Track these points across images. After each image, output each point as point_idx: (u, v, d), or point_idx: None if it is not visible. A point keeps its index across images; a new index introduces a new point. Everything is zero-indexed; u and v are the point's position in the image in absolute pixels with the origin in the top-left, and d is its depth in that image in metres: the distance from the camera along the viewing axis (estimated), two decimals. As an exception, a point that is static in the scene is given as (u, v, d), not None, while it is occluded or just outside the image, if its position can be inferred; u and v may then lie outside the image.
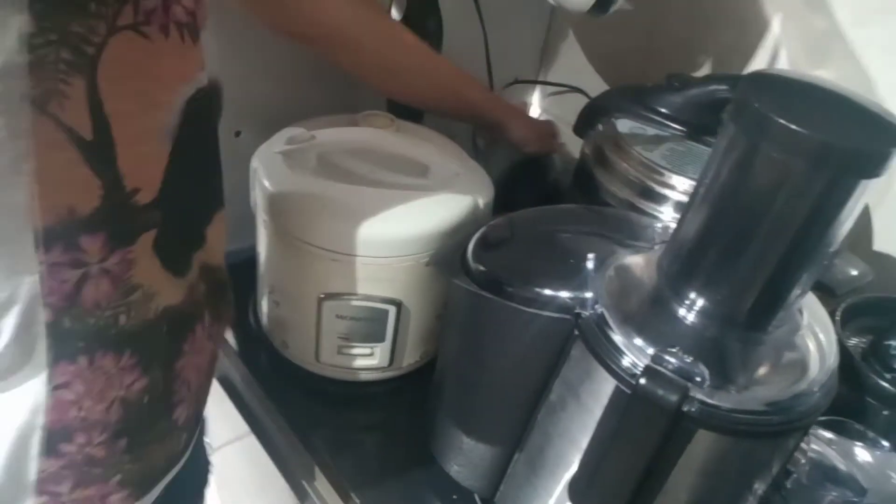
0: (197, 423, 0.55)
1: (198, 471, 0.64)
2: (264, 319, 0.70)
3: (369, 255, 0.59)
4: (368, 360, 0.66)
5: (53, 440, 0.43)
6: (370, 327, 0.63)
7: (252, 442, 0.85)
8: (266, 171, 0.63)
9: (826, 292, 0.61)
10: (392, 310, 0.62)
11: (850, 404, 0.61)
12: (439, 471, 0.61)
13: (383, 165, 0.65)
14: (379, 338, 0.64)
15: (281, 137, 0.66)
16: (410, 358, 0.68)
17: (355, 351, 0.65)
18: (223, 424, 0.97)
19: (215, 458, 1.06)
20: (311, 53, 0.78)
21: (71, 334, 0.41)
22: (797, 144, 0.37)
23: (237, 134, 0.78)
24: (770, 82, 0.41)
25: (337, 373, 0.67)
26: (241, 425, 0.86)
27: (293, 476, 0.76)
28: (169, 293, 0.46)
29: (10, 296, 0.38)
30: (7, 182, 0.36)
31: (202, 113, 0.43)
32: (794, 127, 0.37)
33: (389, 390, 0.70)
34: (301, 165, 0.63)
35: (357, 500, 0.61)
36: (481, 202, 0.64)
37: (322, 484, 0.69)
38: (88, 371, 0.43)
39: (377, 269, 0.60)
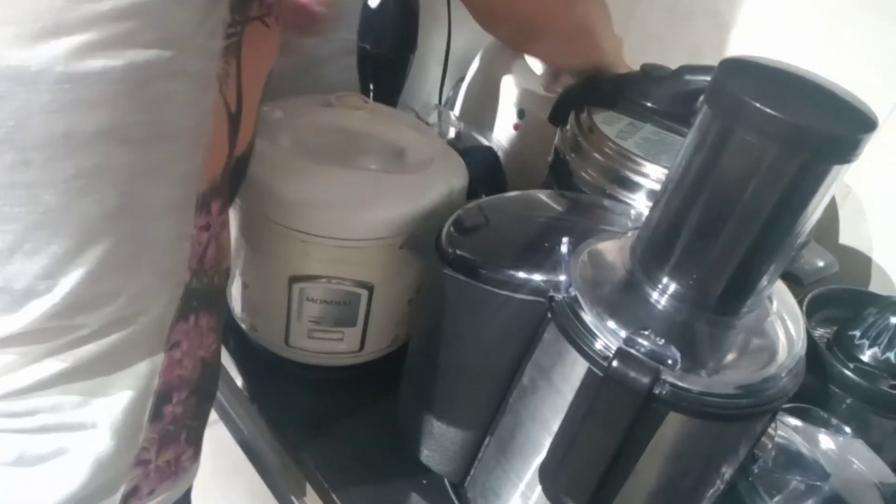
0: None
1: None
2: (232, 302, 0.69)
3: (342, 238, 0.59)
4: (339, 344, 0.65)
5: (160, 403, 0.45)
6: (341, 311, 0.63)
7: (218, 431, 0.84)
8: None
9: (794, 282, 0.62)
10: (364, 293, 0.62)
11: (814, 393, 0.62)
12: (409, 456, 0.61)
13: (357, 147, 0.65)
14: (350, 322, 0.64)
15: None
16: (381, 343, 0.68)
17: (326, 335, 0.64)
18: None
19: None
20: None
21: (193, 295, 0.45)
22: (771, 128, 0.38)
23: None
24: (745, 67, 0.42)
25: (307, 357, 0.66)
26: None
27: (262, 462, 0.75)
28: (229, 253, 0.51)
29: (174, 261, 0.43)
30: (190, 151, 0.40)
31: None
32: (768, 110, 0.37)
33: (360, 376, 0.69)
34: (273, 145, 0.62)
35: (326, 485, 0.60)
36: (456, 187, 0.63)
37: (290, 470, 0.69)
38: (194, 330, 0.46)
39: (350, 252, 0.60)
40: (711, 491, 0.50)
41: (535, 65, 0.97)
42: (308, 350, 0.66)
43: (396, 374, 0.63)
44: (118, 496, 0.45)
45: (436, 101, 0.97)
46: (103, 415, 0.42)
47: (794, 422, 0.58)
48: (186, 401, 0.48)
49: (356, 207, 0.59)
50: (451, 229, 0.54)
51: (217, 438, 0.86)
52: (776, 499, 0.54)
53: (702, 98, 0.42)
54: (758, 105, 0.37)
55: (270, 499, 0.75)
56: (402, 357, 0.61)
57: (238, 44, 0.42)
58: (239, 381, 0.70)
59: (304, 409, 0.66)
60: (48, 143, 0.34)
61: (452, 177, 0.64)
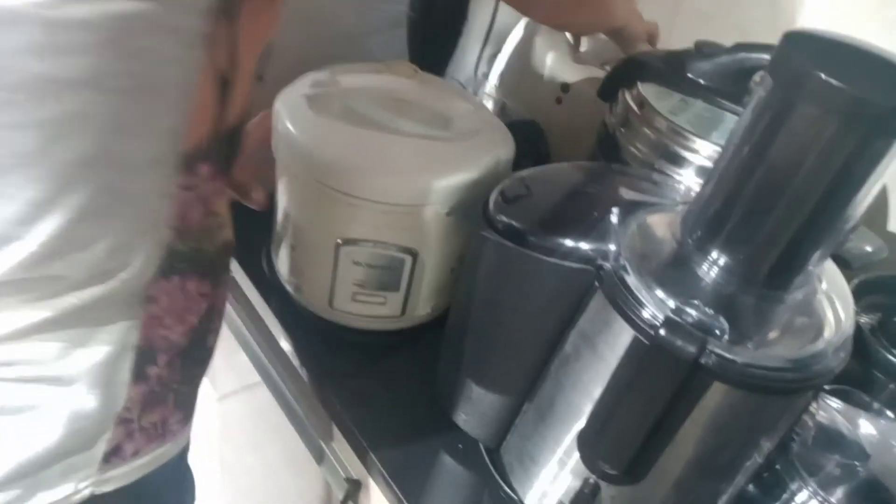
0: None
1: None
2: (279, 264, 0.71)
3: (389, 203, 0.59)
4: (381, 308, 0.66)
5: (142, 363, 0.46)
6: (385, 275, 0.64)
7: (258, 393, 0.86)
8: (289, 114, 0.63)
9: (841, 265, 0.61)
10: (408, 259, 0.63)
11: (858, 377, 0.62)
12: (446, 420, 0.62)
13: (406, 115, 0.65)
14: (393, 287, 0.65)
15: (305, 82, 0.66)
16: (422, 310, 0.69)
17: (369, 299, 0.65)
18: (230, 374, 0.98)
19: (220, 408, 1.07)
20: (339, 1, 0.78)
21: (177, 256, 0.45)
22: (834, 99, 0.37)
23: (259, 78, 0.77)
24: (809, 40, 0.41)
25: (349, 320, 0.68)
26: (247, 376, 0.87)
27: (301, 424, 0.77)
28: (228, 227, 0.51)
29: (153, 217, 0.43)
30: (171, 107, 0.40)
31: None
32: (833, 81, 0.37)
33: (400, 341, 0.70)
34: (324, 110, 0.63)
35: (364, 444, 0.61)
36: (502, 157, 0.64)
37: (329, 431, 0.70)
38: (178, 291, 0.46)
39: (396, 217, 0.60)
40: (749, 464, 0.50)
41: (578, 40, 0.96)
42: (351, 313, 0.67)
43: (437, 341, 0.64)
44: (98, 453, 0.45)
45: (474, 72, 0.97)
46: (81, 369, 0.43)
47: (837, 403, 0.58)
48: (172, 363, 0.48)
49: (404, 173, 0.60)
50: (499, 197, 0.54)
51: (256, 402, 0.88)
52: (815, 478, 0.54)
53: (763, 72, 0.41)
54: (822, 76, 0.37)
55: (309, 461, 0.77)
56: (442, 325, 0.62)
57: (234, 8, 0.41)
58: (282, 342, 0.71)
59: (345, 372, 0.67)
60: (27, 85, 0.34)
61: (499, 147, 0.64)
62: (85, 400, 0.43)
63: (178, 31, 0.38)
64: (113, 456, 0.46)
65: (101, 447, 0.45)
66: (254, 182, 0.69)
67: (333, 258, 0.63)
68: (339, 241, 0.62)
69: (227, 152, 0.48)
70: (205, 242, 0.47)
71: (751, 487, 0.57)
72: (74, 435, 0.44)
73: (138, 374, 0.46)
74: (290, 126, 0.62)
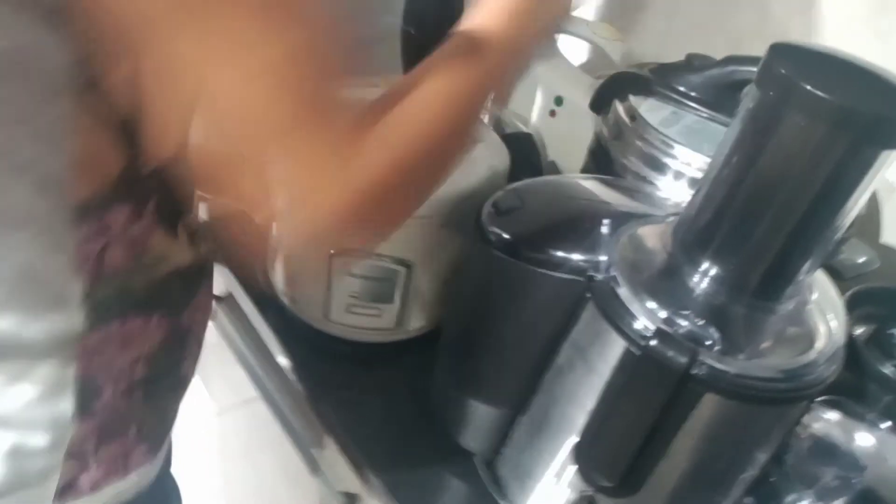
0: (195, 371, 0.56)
1: None
2: (275, 276, 0.71)
3: None
4: (376, 320, 0.66)
5: (85, 397, 0.44)
6: (380, 287, 0.64)
7: (255, 407, 0.86)
8: None
9: (834, 276, 0.61)
10: (402, 271, 0.63)
11: (852, 387, 0.62)
12: (442, 433, 0.62)
13: None
14: (387, 298, 0.65)
15: None
16: (417, 322, 0.69)
17: (364, 311, 0.66)
18: (227, 388, 0.98)
19: (219, 423, 1.07)
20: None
21: (102, 303, 0.43)
22: (820, 109, 0.38)
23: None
24: (795, 51, 0.42)
25: (345, 332, 0.68)
26: (245, 390, 0.87)
27: (297, 436, 0.77)
28: (180, 252, 0.48)
29: (56, 274, 0.41)
30: (47, 159, 0.37)
31: None
32: (818, 92, 0.37)
33: (396, 353, 0.70)
34: None
35: (360, 456, 0.61)
36: (498, 170, 0.64)
37: (324, 443, 0.70)
38: (121, 332, 0.44)
39: None
40: (744, 475, 0.50)
41: (572, 52, 0.97)
42: (346, 325, 0.67)
43: (432, 353, 0.64)
44: (50, 489, 0.44)
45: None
46: (17, 406, 0.42)
47: (831, 414, 0.57)
48: (129, 394, 0.46)
49: None
50: (492, 209, 0.55)
51: (256, 414, 0.88)
52: (811, 490, 0.54)
53: (752, 83, 0.42)
54: (808, 87, 0.38)
55: (305, 474, 0.76)
56: (437, 338, 0.62)
57: (113, 54, 0.37)
58: (278, 357, 0.71)
59: (340, 383, 0.67)
60: None
61: (494, 160, 0.65)
62: (25, 437, 0.42)
63: (38, 77, 0.35)
64: (68, 492, 0.45)
65: (52, 484, 0.44)
66: None
67: (328, 270, 0.63)
68: (331, 251, 0.62)
69: (162, 189, 0.45)
70: (137, 281, 0.45)
71: (748, 501, 0.57)
72: (19, 473, 0.43)
73: (83, 409, 0.44)
74: None
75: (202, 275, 0.52)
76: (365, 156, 0.38)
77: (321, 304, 0.66)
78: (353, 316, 0.66)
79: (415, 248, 0.62)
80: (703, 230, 0.45)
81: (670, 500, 0.50)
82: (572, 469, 0.51)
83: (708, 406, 0.44)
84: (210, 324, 0.90)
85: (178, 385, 0.53)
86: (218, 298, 0.87)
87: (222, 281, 0.83)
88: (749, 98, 0.42)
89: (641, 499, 0.49)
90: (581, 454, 0.49)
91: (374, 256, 0.62)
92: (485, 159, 0.64)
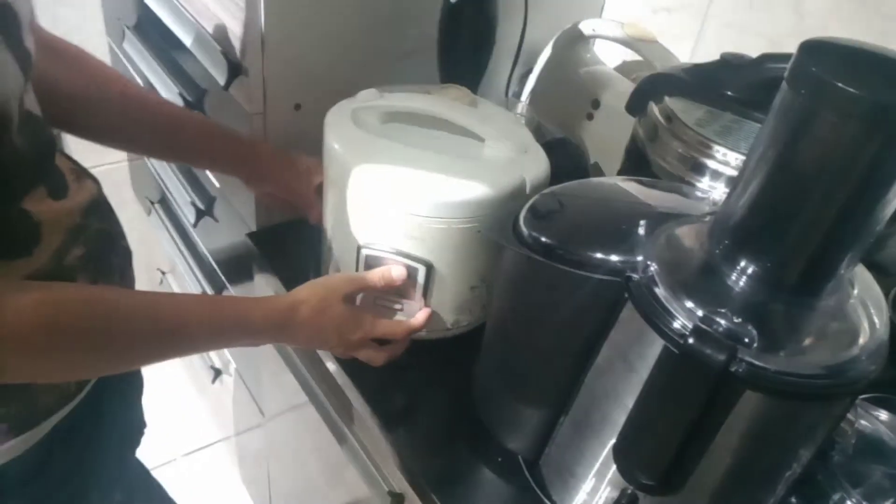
0: None
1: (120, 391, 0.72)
2: (322, 268, 0.74)
3: (403, 211, 0.63)
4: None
5: None
6: (402, 283, 0.66)
7: (304, 412, 0.88)
8: (331, 124, 0.68)
9: (879, 272, 0.60)
10: (421, 269, 0.65)
11: (899, 384, 0.61)
12: (485, 433, 0.63)
13: (444, 135, 0.68)
14: (408, 295, 0.67)
15: (357, 98, 0.70)
16: (440, 324, 0.70)
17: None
18: (277, 394, 1.00)
19: (269, 428, 1.10)
20: (373, 27, 0.81)
21: None
22: (852, 106, 0.38)
23: (297, 107, 0.81)
24: (827, 48, 0.42)
25: None
26: (294, 396, 0.90)
27: (343, 436, 0.79)
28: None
29: None
30: None
31: None
32: (850, 89, 0.38)
33: (421, 352, 0.72)
34: (365, 122, 0.68)
35: (405, 456, 0.63)
36: (528, 184, 0.65)
37: (374, 444, 0.72)
38: None
39: (411, 227, 0.63)
40: (788, 474, 0.50)
41: (607, 56, 0.98)
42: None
43: (474, 355, 0.65)
44: None
45: (505, 93, 0.99)
46: None
47: (877, 411, 0.57)
48: None
49: (420, 183, 0.63)
50: (529, 213, 0.56)
51: (305, 418, 0.90)
52: (858, 489, 0.53)
53: (783, 83, 0.42)
54: (839, 84, 0.38)
55: (353, 475, 0.78)
56: (465, 342, 0.65)
57: None
58: (326, 360, 0.74)
59: (385, 386, 0.69)
60: None
61: (528, 174, 0.65)
62: None
63: None
64: None
65: None
66: (314, 199, 0.75)
67: (355, 261, 0.67)
68: (360, 244, 0.66)
69: None
70: None
71: (793, 500, 0.57)
72: None
73: None
74: (328, 135, 0.67)
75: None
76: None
77: None
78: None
79: (435, 250, 0.64)
80: (740, 228, 0.46)
81: (713, 499, 0.50)
82: (614, 468, 0.51)
83: (748, 403, 0.44)
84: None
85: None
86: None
87: (270, 287, 0.85)
88: (780, 97, 0.42)
89: (684, 497, 0.50)
90: (621, 452, 0.50)
91: (396, 252, 0.65)
92: (516, 168, 0.65)
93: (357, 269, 0.67)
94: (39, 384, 0.56)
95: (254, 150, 0.78)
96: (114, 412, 0.70)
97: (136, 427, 0.78)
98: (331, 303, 0.62)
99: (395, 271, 0.65)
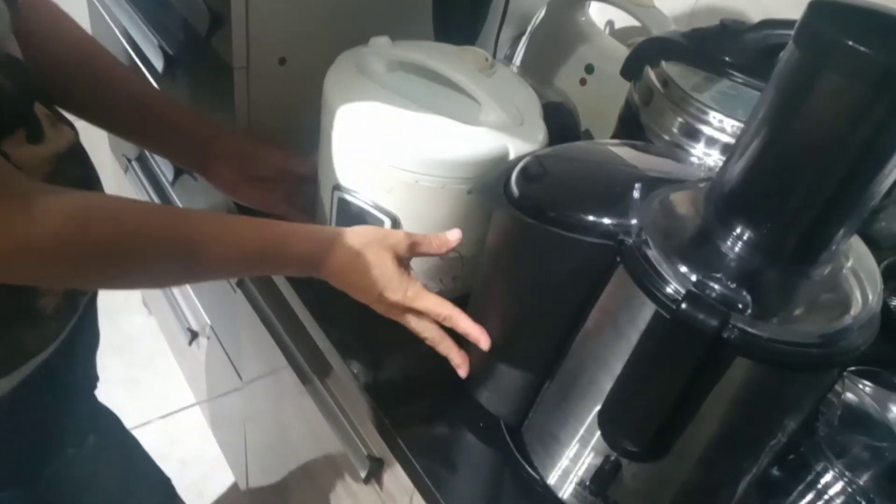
0: (73, 313, 0.61)
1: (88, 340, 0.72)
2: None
3: (370, 155, 0.63)
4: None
5: None
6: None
7: (282, 376, 0.87)
8: (336, 64, 0.68)
9: (871, 245, 0.60)
10: (387, 221, 0.65)
11: (887, 358, 0.61)
12: (468, 398, 0.62)
13: (446, 93, 0.67)
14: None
15: (370, 45, 0.69)
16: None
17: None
18: (256, 358, 0.99)
19: (246, 392, 1.08)
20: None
21: None
22: (862, 67, 0.37)
23: (282, 61, 0.78)
24: (836, 8, 0.40)
25: None
26: (274, 359, 0.88)
27: (323, 401, 0.77)
28: None
29: None
30: None
31: None
32: (861, 48, 0.36)
33: None
34: (369, 68, 0.67)
35: (386, 421, 0.62)
36: (513, 154, 0.63)
37: (353, 408, 0.71)
38: None
39: (378, 174, 0.63)
40: (773, 443, 0.49)
41: (602, 21, 0.95)
42: None
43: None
44: None
45: (493, 55, 0.96)
46: None
47: (864, 384, 0.57)
48: None
49: (391, 132, 0.62)
50: (520, 174, 0.54)
51: (283, 382, 0.89)
52: (841, 460, 0.53)
53: (789, 43, 0.41)
54: (850, 43, 0.36)
55: (332, 440, 0.77)
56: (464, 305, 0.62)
57: None
58: (306, 324, 0.72)
59: (366, 347, 0.68)
60: None
61: (515, 141, 0.63)
62: None
63: None
64: None
65: None
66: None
67: (330, 202, 0.68)
68: (333, 185, 0.66)
69: None
70: None
71: (775, 470, 0.57)
72: None
73: None
74: (330, 74, 0.68)
75: None
76: (42, 219, 0.45)
77: None
78: None
79: (401, 203, 0.64)
80: (737, 194, 0.45)
81: (697, 466, 0.50)
82: (598, 434, 0.51)
83: (738, 371, 0.43)
84: (242, 296, 0.91)
85: (39, 321, 0.56)
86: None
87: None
88: (786, 58, 0.41)
89: (667, 464, 0.49)
90: (607, 419, 0.49)
91: (364, 200, 0.65)
92: (512, 137, 0.63)
93: (330, 212, 0.67)
94: (23, 329, 0.56)
95: (216, 135, 0.75)
96: (84, 357, 0.70)
97: (94, 376, 0.78)
98: (377, 252, 0.58)
99: (452, 235, 0.60)
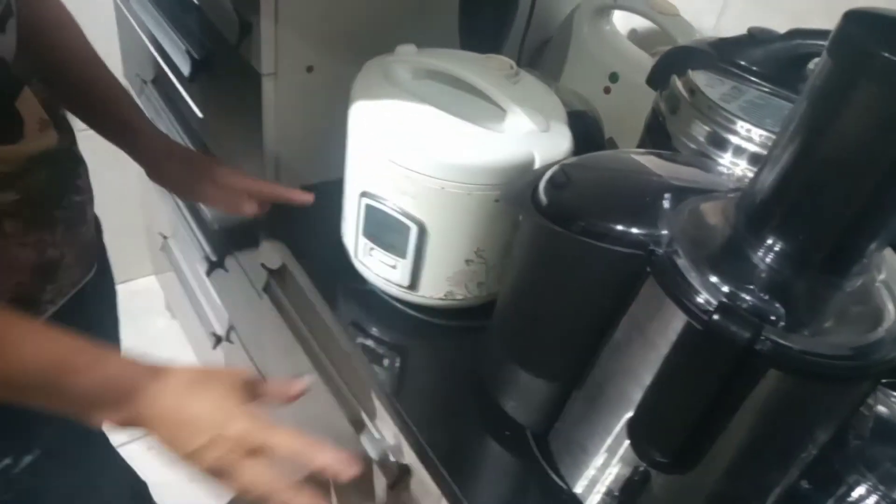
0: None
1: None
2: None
3: (397, 162, 0.63)
4: (392, 272, 0.70)
5: None
6: (394, 238, 0.67)
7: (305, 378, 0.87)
8: (362, 74, 0.70)
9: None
10: (413, 227, 0.65)
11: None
12: (493, 406, 0.62)
13: (472, 100, 0.67)
14: (400, 252, 0.68)
15: (396, 52, 0.71)
16: (433, 291, 0.70)
17: (381, 257, 0.70)
18: (279, 360, 1.00)
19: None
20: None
21: None
22: (898, 77, 0.36)
23: (309, 69, 0.79)
24: (870, 18, 0.40)
25: (367, 273, 0.73)
26: (298, 362, 0.89)
27: (349, 406, 0.78)
28: None
29: None
30: None
31: None
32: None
33: (446, 325, 0.72)
34: (395, 75, 0.69)
35: (412, 427, 0.62)
36: (539, 161, 0.63)
37: (381, 414, 0.71)
38: None
39: (405, 181, 0.63)
40: (803, 456, 0.49)
41: (626, 29, 0.95)
42: (367, 267, 0.72)
43: (484, 327, 0.64)
44: None
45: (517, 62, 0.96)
46: None
47: (896, 396, 0.56)
48: None
49: (416, 138, 0.63)
50: (548, 183, 0.54)
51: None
52: (874, 473, 0.52)
53: (822, 53, 0.41)
54: (886, 54, 0.36)
55: (357, 445, 0.78)
56: (466, 314, 0.67)
57: None
58: (331, 326, 0.73)
59: (393, 353, 0.69)
60: None
61: (541, 147, 0.64)
62: None
63: None
64: None
65: None
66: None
67: (357, 207, 0.69)
68: (361, 191, 0.68)
69: None
70: None
71: (805, 483, 0.56)
72: None
73: None
74: (357, 81, 0.69)
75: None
76: None
77: (353, 240, 0.72)
78: (371, 259, 0.71)
79: (428, 210, 0.65)
80: (769, 204, 0.44)
81: (725, 478, 0.50)
82: (627, 444, 0.51)
83: (770, 383, 0.43)
84: (268, 301, 0.92)
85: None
86: (271, 271, 0.88)
87: (276, 253, 0.84)
88: (819, 68, 0.41)
89: (696, 475, 0.49)
90: (637, 429, 0.49)
91: (391, 206, 0.66)
92: (538, 144, 0.64)
93: (357, 219, 0.69)
94: None
95: (152, 141, 0.76)
96: None
97: None
98: (216, 384, 0.50)
99: (298, 385, 0.54)
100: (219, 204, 0.77)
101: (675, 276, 0.45)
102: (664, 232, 0.47)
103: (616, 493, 0.53)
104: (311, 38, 0.77)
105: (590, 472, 0.55)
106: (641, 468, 0.50)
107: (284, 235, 0.80)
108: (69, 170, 0.62)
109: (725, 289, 0.43)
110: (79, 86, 0.73)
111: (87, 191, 0.65)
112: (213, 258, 1.12)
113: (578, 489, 0.56)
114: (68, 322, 0.62)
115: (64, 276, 0.63)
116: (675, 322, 0.45)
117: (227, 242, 1.08)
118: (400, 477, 0.69)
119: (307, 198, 0.75)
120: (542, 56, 0.97)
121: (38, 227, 0.58)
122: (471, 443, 0.62)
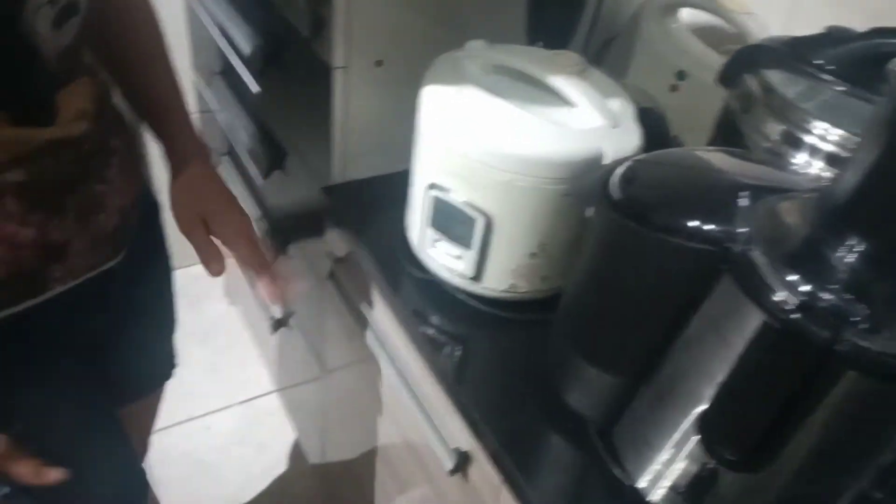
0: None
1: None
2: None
3: (466, 154, 0.64)
4: (457, 262, 0.71)
5: None
6: (460, 229, 0.68)
7: (368, 366, 0.89)
8: (433, 69, 0.71)
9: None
10: (480, 218, 0.66)
11: None
12: (556, 399, 0.63)
13: (541, 95, 0.68)
14: (465, 243, 0.69)
15: (466, 47, 0.72)
16: (497, 283, 0.71)
17: (445, 247, 0.71)
18: (341, 348, 1.02)
19: (330, 381, 1.12)
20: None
21: None
22: None
23: (378, 63, 0.80)
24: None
25: (432, 265, 0.74)
26: (359, 349, 0.91)
27: (410, 392, 0.79)
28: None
29: None
30: None
31: None
32: None
33: (479, 308, 0.74)
34: (466, 70, 0.69)
35: (475, 415, 0.63)
36: (607, 157, 0.64)
37: (442, 402, 0.73)
38: None
39: (474, 173, 0.65)
40: (877, 461, 0.48)
41: (694, 26, 0.94)
42: (432, 258, 0.73)
43: (550, 319, 0.65)
44: None
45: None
46: None
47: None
48: None
49: (486, 132, 0.64)
50: (621, 177, 0.55)
51: (369, 373, 0.91)
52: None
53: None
54: None
55: (418, 433, 0.79)
56: (525, 309, 0.69)
57: None
58: (394, 316, 0.74)
59: (457, 342, 0.71)
60: None
61: (609, 142, 0.64)
62: None
63: None
64: None
65: None
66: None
67: (423, 199, 0.71)
68: (429, 183, 0.69)
69: None
70: None
71: (877, 492, 0.55)
72: None
73: None
74: (428, 75, 0.70)
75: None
76: None
77: (417, 232, 0.74)
78: (436, 251, 0.72)
79: (495, 202, 0.66)
80: (853, 204, 0.44)
81: (795, 479, 0.50)
82: (694, 441, 0.51)
83: (848, 384, 0.43)
84: (332, 287, 0.94)
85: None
86: (338, 259, 0.91)
87: (343, 242, 0.86)
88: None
89: (765, 475, 0.49)
90: (708, 426, 0.49)
91: (457, 197, 0.67)
92: (607, 139, 0.64)
93: (424, 208, 0.71)
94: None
95: (181, 160, 0.74)
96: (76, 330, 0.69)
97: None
98: None
99: (54, 474, 0.62)
100: (194, 245, 0.70)
101: (753, 274, 0.45)
102: (741, 229, 0.47)
103: (682, 490, 0.53)
104: (381, 34, 0.79)
105: (654, 466, 0.55)
106: (710, 465, 0.51)
107: (350, 225, 0.82)
108: (94, 159, 0.63)
109: (805, 288, 0.43)
110: (136, 83, 0.74)
111: (115, 182, 0.66)
112: (275, 244, 1.15)
113: (642, 483, 0.57)
114: (83, 302, 0.66)
115: (76, 260, 0.64)
116: (752, 320, 0.45)
117: (288, 230, 1.11)
118: (460, 463, 0.70)
119: (285, 292, 0.70)
120: (607, 53, 0.96)
121: (42, 210, 0.59)
122: (532, 433, 0.63)
